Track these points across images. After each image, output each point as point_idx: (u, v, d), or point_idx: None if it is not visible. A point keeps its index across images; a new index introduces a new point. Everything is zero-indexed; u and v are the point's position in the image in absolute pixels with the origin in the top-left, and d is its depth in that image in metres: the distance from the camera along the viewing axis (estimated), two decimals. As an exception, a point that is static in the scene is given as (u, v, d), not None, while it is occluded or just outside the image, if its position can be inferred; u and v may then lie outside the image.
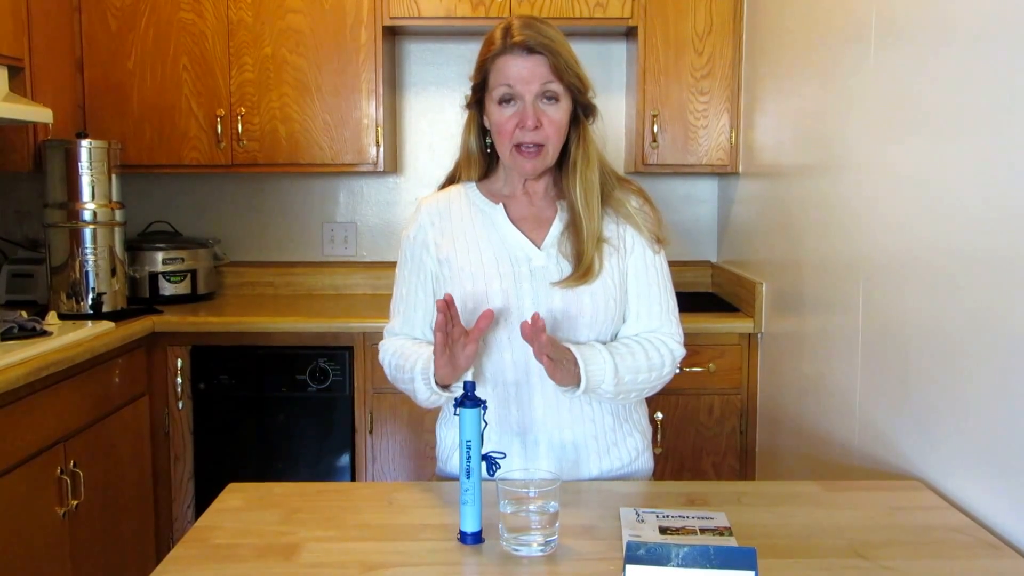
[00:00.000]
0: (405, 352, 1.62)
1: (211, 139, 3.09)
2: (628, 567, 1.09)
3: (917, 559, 1.25)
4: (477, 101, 1.63)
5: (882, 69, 1.85)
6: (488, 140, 1.65)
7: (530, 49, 1.53)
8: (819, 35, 2.26)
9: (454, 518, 1.31)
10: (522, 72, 1.54)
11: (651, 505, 1.45)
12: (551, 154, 1.59)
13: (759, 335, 2.84)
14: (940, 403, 1.58)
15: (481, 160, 1.69)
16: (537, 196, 1.66)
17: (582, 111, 1.62)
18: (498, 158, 1.67)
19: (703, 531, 1.34)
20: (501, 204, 1.65)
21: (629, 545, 1.12)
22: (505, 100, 1.56)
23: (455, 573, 1.22)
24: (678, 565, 1.08)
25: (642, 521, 1.36)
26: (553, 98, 1.56)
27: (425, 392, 1.54)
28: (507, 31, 1.56)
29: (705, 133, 3.09)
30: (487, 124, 1.63)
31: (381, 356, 1.69)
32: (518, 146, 1.57)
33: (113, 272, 2.84)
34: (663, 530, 1.34)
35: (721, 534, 1.33)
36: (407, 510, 1.43)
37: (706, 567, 1.08)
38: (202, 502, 2.86)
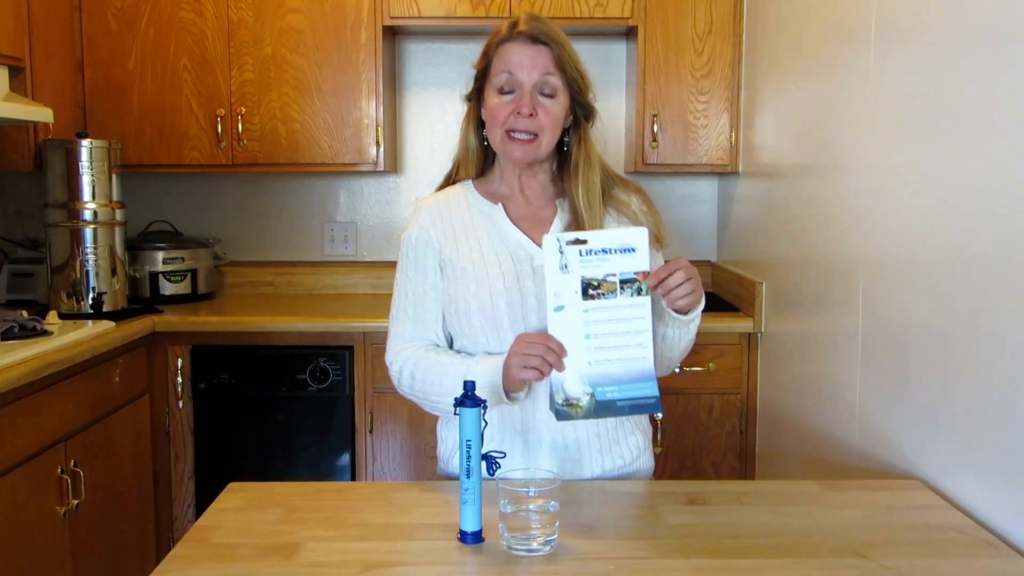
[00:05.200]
0: (431, 361, 1.59)
1: (211, 139, 3.09)
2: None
3: (917, 559, 1.25)
4: (477, 90, 1.64)
5: (882, 69, 1.85)
6: (484, 131, 1.66)
7: (535, 39, 1.57)
8: (819, 35, 2.26)
9: (454, 518, 1.31)
10: (524, 60, 1.56)
11: (651, 504, 1.46)
12: (544, 145, 1.59)
13: (759, 335, 2.84)
14: (940, 403, 1.58)
15: (479, 155, 1.69)
16: (535, 195, 1.66)
17: (582, 113, 1.62)
18: (495, 155, 1.68)
19: (624, 283, 1.38)
20: (500, 204, 1.65)
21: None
22: (504, 88, 1.57)
23: (455, 573, 1.22)
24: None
25: (566, 268, 1.39)
26: (551, 95, 1.58)
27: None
28: (514, 23, 1.60)
29: (705, 133, 3.09)
30: (484, 116, 1.64)
31: (395, 363, 1.64)
32: (509, 132, 1.57)
33: (113, 272, 2.85)
34: (585, 290, 1.38)
35: (640, 292, 1.38)
36: (407, 510, 1.43)
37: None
38: (202, 502, 2.87)
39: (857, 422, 1.97)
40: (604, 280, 1.39)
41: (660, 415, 1.54)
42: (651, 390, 1.43)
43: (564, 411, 1.43)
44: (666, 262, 1.48)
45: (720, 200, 3.42)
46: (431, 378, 1.58)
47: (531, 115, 1.56)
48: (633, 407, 1.44)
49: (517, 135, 1.57)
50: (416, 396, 1.63)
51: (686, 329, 1.55)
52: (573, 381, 1.43)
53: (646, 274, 1.40)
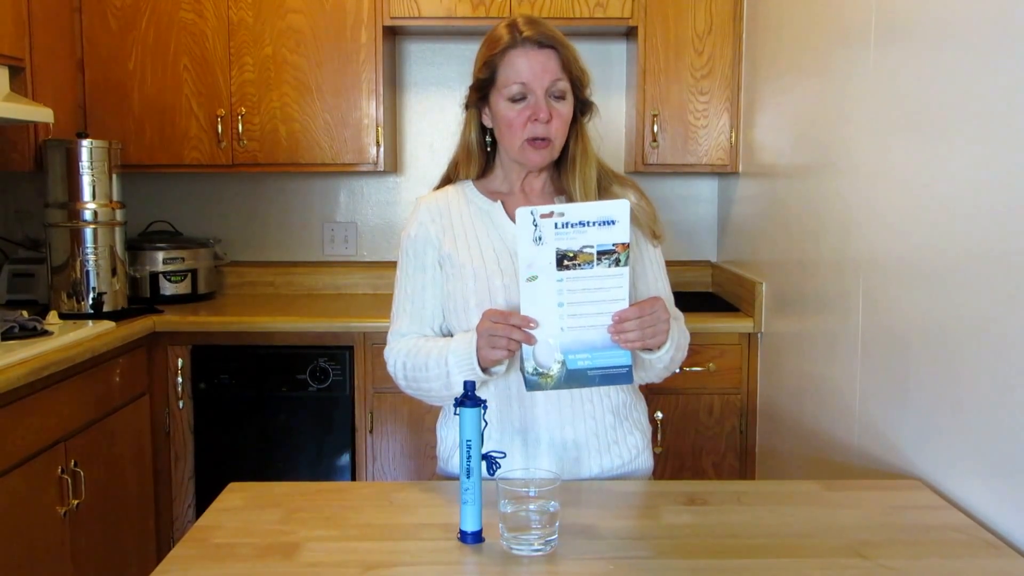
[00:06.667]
0: (419, 348, 1.60)
1: (212, 139, 3.09)
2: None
3: (917, 559, 1.25)
4: (480, 99, 1.64)
5: (882, 69, 1.85)
6: (488, 138, 1.66)
7: (540, 44, 1.57)
8: (819, 35, 2.26)
9: (454, 518, 1.31)
10: (535, 67, 1.57)
11: (651, 504, 1.46)
12: (557, 147, 1.61)
13: (759, 335, 2.84)
14: (940, 403, 1.58)
15: (481, 156, 1.70)
16: (534, 193, 1.67)
17: (579, 108, 1.63)
18: (495, 156, 1.68)
19: (602, 254, 1.37)
20: (499, 202, 1.65)
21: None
22: (517, 98, 1.57)
23: (455, 573, 1.22)
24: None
25: (539, 240, 1.38)
26: (561, 97, 1.59)
27: (456, 377, 1.51)
28: (514, 27, 1.59)
29: (705, 133, 3.09)
30: (486, 122, 1.64)
31: (391, 358, 1.65)
32: (531, 140, 1.58)
33: (114, 272, 2.85)
34: (560, 260, 1.37)
35: (618, 263, 1.37)
36: (407, 510, 1.43)
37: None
38: (202, 501, 2.87)
39: (857, 422, 1.97)
40: (580, 251, 1.38)
41: (632, 384, 1.52)
42: (624, 358, 1.42)
43: (534, 380, 1.43)
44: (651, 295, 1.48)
45: (720, 200, 3.42)
46: (419, 364, 1.59)
47: (548, 120, 1.57)
48: (604, 377, 1.43)
49: (538, 141, 1.58)
50: (411, 388, 1.64)
51: (651, 361, 1.55)
52: (544, 350, 1.42)
53: (626, 245, 1.38)
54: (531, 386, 1.44)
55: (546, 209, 1.39)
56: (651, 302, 1.46)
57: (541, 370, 1.43)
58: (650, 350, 1.50)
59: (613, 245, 1.38)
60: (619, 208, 1.39)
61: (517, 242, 1.41)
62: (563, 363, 1.42)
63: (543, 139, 1.58)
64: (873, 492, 1.55)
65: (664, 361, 1.56)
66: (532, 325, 1.42)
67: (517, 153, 1.61)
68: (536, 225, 1.38)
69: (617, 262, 1.38)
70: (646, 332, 1.44)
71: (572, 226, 1.38)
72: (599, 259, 1.38)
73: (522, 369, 1.44)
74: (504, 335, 1.43)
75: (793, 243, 2.49)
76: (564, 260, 1.38)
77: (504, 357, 1.46)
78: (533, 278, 1.39)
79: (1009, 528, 1.34)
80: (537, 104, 1.57)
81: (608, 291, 1.40)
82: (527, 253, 1.39)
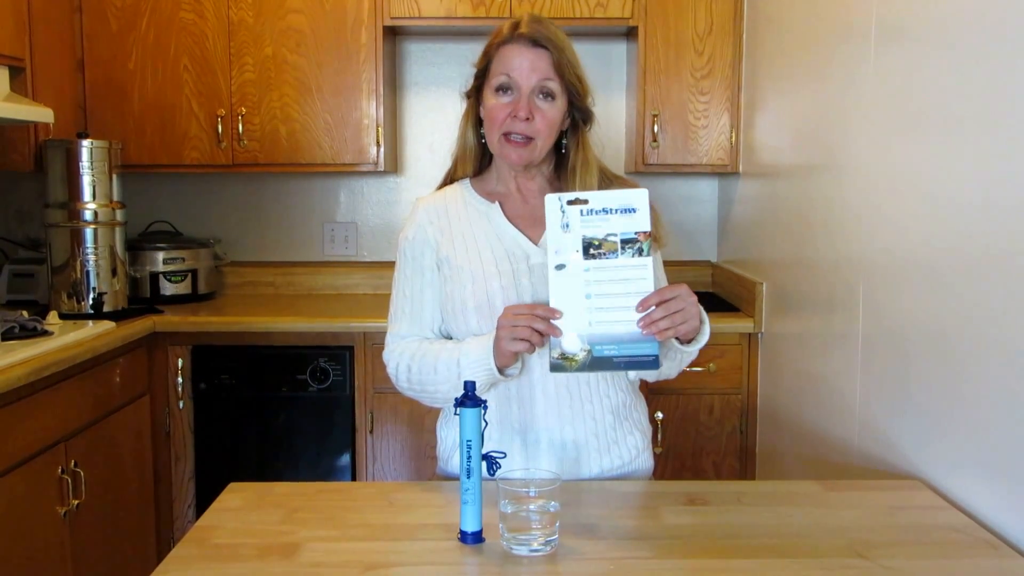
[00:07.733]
0: (426, 350, 1.60)
1: (212, 139, 3.09)
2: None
3: (917, 559, 1.25)
4: (477, 89, 1.65)
5: (882, 69, 1.85)
6: (483, 132, 1.66)
7: (535, 42, 1.57)
8: (819, 35, 2.26)
9: (454, 518, 1.31)
10: (523, 63, 1.57)
11: (651, 504, 1.46)
12: (539, 148, 1.60)
13: (759, 335, 2.84)
14: (940, 403, 1.58)
15: (477, 153, 1.70)
16: (532, 195, 1.67)
17: (580, 117, 1.63)
18: (492, 155, 1.68)
19: (625, 243, 1.40)
20: (497, 203, 1.65)
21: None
22: (502, 89, 1.58)
23: (455, 573, 1.22)
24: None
25: (567, 227, 1.41)
26: (549, 95, 1.58)
27: (468, 376, 1.51)
28: (516, 24, 1.60)
29: (705, 133, 3.09)
30: (482, 114, 1.64)
31: (391, 360, 1.65)
32: (507, 135, 1.58)
33: (114, 272, 2.85)
34: (586, 249, 1.40)
35: (641, 252, 1.40)
36: (407, 510, 1.43)
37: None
38: (203, 502, 2.87)
39: (857, 422, 1.97)
40: (605, 239, 1.41)
41: (658, 370, 1.52)
42: (651, 349, 1.43)
43: (559, 364, 1.44)
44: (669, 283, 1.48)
45: (720, 200, 3.42)
46: (426, 367, 1.59)
47: (527, 118, 1.56)
48: (630, 363, 1.43)
49: (513, 138, 1.58)
50: (414, 390, 1.63)
51: (687, 354, 1.56)
52: (572, 340, 1.43)
53: (647, 234, 1.41)
54: (555, 368, 1.45)
55: (571, 196, 1.42)
56: (673, 287, 1.46)
57: (568, 355, 1.43)
58: (685, 340, 1.50)
59: (635, 234, 1.41)
60: (639, 196, 1.42)
61: (547, 229, 1.43)
62: (589, 351, 1.43)
63: (521, 136, 1.57)
64: (873, 492, 1.55)
65: (695, 355, 1.57)
66: (556, 316, 1.42)
67: (496, 148, 1.61)
68: (564, 212, 1.41)
69: (640, 252, 1.40)
70: (675, 318, 1.43)
71: (596, 213, 1.41)
72: (623, 248, 1.40)
73: (549, 354, 1.44)
74: (527, 324, 1.43)
75: (793, 243, 2.49)
76: (590, 248, 1.40)
77: (525, 350, 1.45)
78: (561, 267, 1.41)
79: (1009, 528, 1.34)
80: (518, 101, 1.57)
81: (633, 282, 1.42)
82: (556, 239, 1.42)
